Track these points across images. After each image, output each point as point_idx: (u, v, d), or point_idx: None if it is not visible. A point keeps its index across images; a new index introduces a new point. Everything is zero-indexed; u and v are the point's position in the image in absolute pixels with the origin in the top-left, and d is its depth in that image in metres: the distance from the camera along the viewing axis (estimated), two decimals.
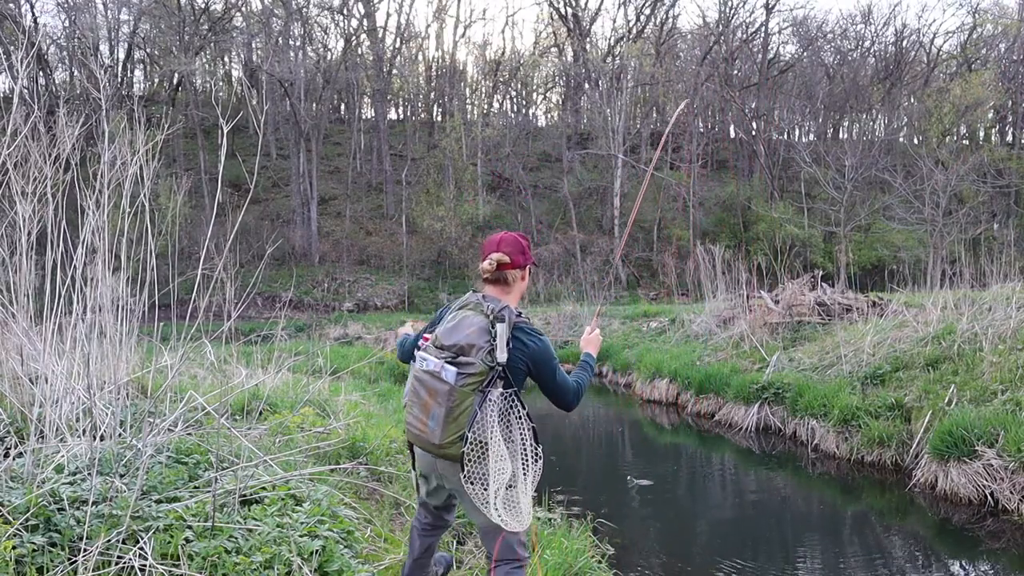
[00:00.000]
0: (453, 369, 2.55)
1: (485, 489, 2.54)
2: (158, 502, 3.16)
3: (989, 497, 6.36)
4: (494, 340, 2.58)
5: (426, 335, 2.80)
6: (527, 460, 2.61)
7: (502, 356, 2.57)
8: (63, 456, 3.30)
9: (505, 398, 2.59)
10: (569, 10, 44.06)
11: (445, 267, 34.81)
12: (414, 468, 2.96)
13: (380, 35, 41.96)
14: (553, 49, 49.35)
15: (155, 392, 4.41)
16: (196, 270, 3.84)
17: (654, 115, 45.63)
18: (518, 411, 2.61)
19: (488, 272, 2.78)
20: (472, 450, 2.52)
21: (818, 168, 32.09)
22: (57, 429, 3.56)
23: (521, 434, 2.61)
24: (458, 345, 2.59)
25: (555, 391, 2.80)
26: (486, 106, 48.80)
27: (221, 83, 48.37)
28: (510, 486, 2.57)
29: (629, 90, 39.65)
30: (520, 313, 2.74)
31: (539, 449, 2.66)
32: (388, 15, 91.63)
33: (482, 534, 2.85)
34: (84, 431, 3.62)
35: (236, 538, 3.04)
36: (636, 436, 11.32)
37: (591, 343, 3.17)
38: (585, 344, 3.17)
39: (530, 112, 54.04)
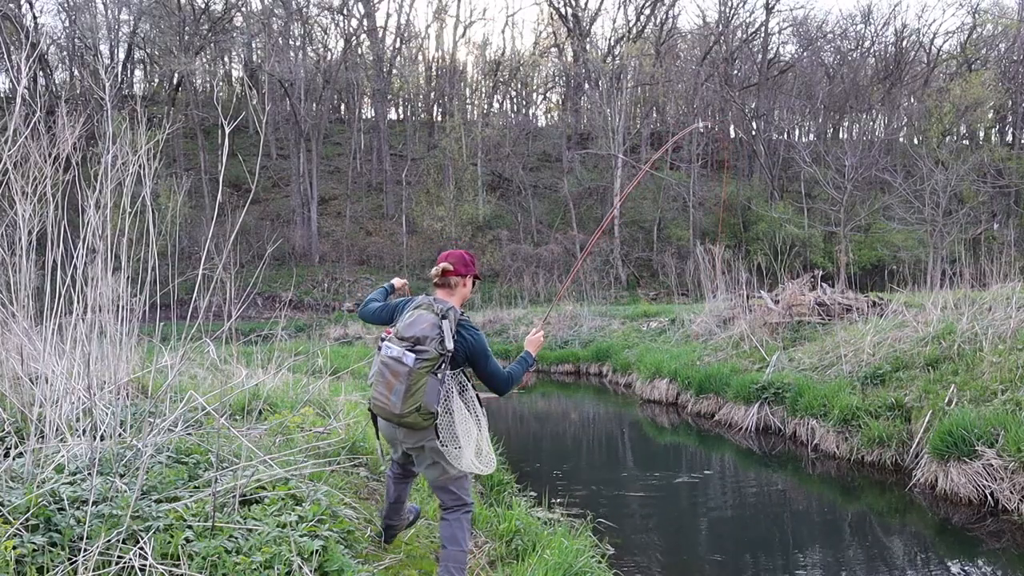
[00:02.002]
0: (412, 355, 3.18)
1: (458, 448, 3.22)
2: (158, 502, 3.16)
3: (989, 497, 6.36)
4: (443, 332, 3.24)
5: (388, 329, 3.46)
6: (480, 421, 3.33)
7: (450, 345, 3.24)
8: (63, 456, 3.30)
9: (455, 377, 3.29)
10: (569, 10, 44.05)
11: None
12: (377, 437, 3.70)
13: (380, 35, 41.97)
14: (553, 49, 49.34)
15: (155, 392, 4.41)
16: (196, 270, 3.85)
17: (654, 115, 45.63)
18: (467, 386, 3.33)
19: (436, 277, 3.51)
20: (443, 420, 3.20)
21: (818, 168, 32.08)
22: (57, 429, 3.55)
23: (473, 402, 3.33)
24: (415, 336, 3.22)
25: (487, 377, 3.45)
26: (486, 106, 48.81)
27: (221, 83, 48.37)
28: (478, 443, 3.27)
29: (629, 90, 39.65)
30: (463, 312, 3.43)
31: (483, 411, 3.39)
32: (388, 15, 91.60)
33: (434, 488, 3.46)
34: (84, 431, 3.62)
35: (236, 538, 3.04)
36: (636, 436, 11.32)
37: (532, 343, 3.77)
38: (527, 343, 3.77)
39: (530, 112, 54.05)
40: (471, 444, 3.21)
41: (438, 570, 3.44)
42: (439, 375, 3.20)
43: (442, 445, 3.21)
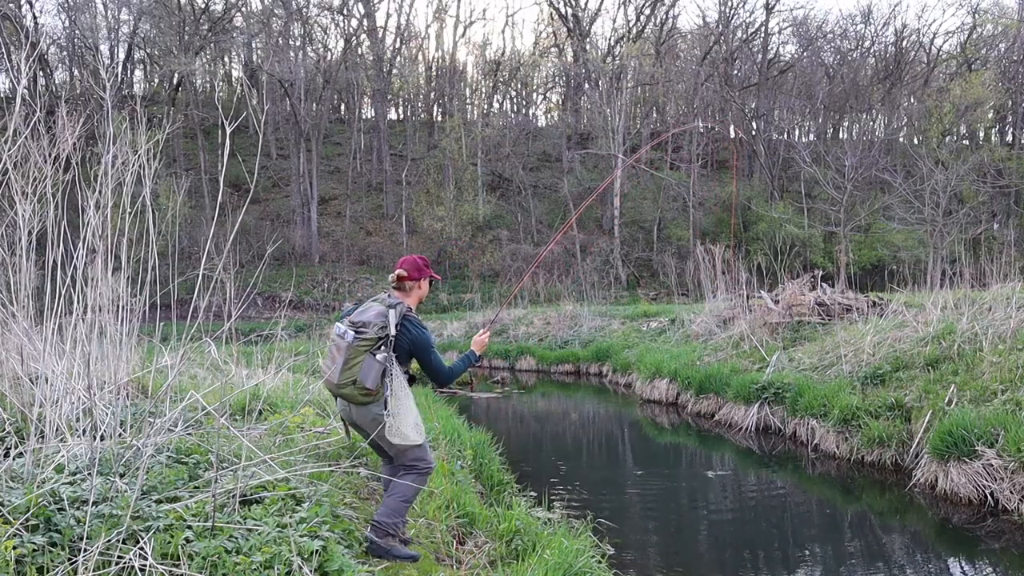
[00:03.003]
0: (352, 333, 3.65)
1: (399, 419, 3.66)
2: (158, 502, 3.16)
3: (989, 497, 6.36)
4: (387, 320, 3.68)
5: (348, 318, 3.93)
6: (408, 401, 3.75)
7: (392, 330, 3.66)
8: (63, 456, 3.30)
9: (391, 361, 3.67)
10: (569, 10, 44.06)
11: (445, 267, 34.82)
12: (343, 419, 4.00)
13: (380, 35, 41.98)
14: (553, 49, 49.34)
15: (155, 392, 4.41)
16: (196, 270, 3.85)
17: (654, 115, 45.63)
18: (398, 370, 3.73)
19: (393, 281, 3.99)
20: (389, 396, 3.65)
21: (818, 168, 32.08)
22: (57, 429, 3.55)
23: (404, 383, 3.75)
24: (361, 321, 3.69)
25: (431, 370, 3.89)
26: (486, 106, 48.82)
27: (221, 83, 48.36)
28: (406, 418, 3.66)
29: (629, 90, 39.65)
30: (411, 309, 3.87)
31: (410, 391, 3.83)
32: (388, 15, 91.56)
33: (394, 453, 3.83)
34: (84, 431, 3.62)
35: (236, 538, 3.03)
36: (636, 436, 11.32)
37: (477, 343, 4.19)
38: (473, 343, 4.20)
39: (530, 112, 54.05)
40: (410, 416, 3.69)
41: (376, 511, 3.88)
42: (377, 356, 3.61)
43: (387, 416, 3.67)
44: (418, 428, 3.78)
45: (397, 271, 3.96)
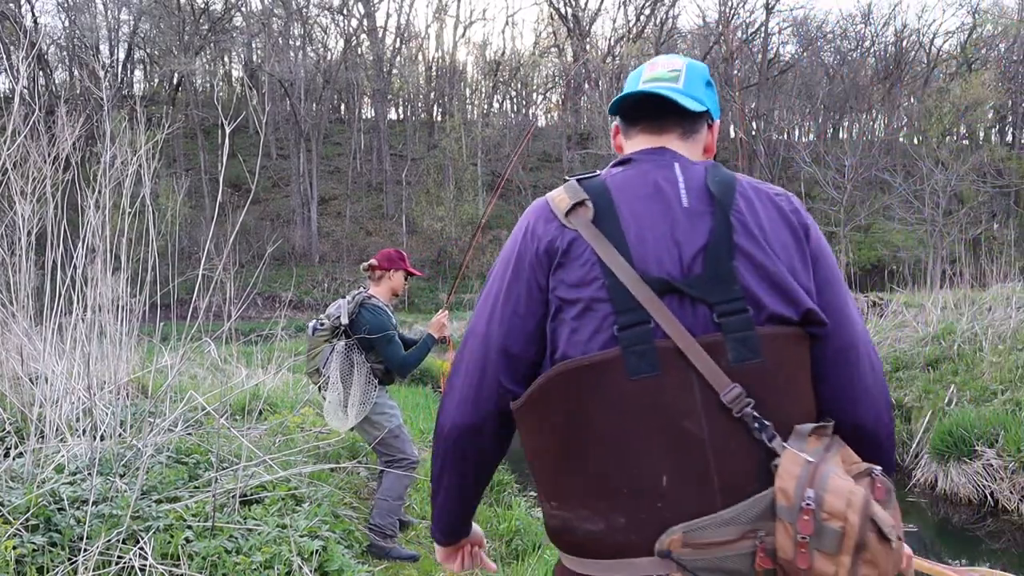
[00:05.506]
0: (312, 324, 3.99)
1: (327, 403, 3.83)
2: (158, 502, 3.16)
3: (989, 497, 6.36)
4: (342, 309, 3.87)
5: None
6: (366, 389, 3.81)
7: (345, 320, 3.83)
8: (63, 456, 3.30)
9: (349, 348, 3.83)
10: (569, 10, 44.07)
11: (445, 267, 34.83)
12: None
13: (380, 35, 41.99)
14: (553, 49, 49.35)
15: (155, 392, 4.41)
16: (196, 270, 3.85)
17: None
18: (358, 357, 3.84)
19: (365, 271, 4.15)
20: (324, 382, 3.83)
21: (818, 168, 32.05)
22: (57, 429, 3.55)
23: (361, 371, 3.82)
24: (327, 315, 3.98)
25: (385, 359, 3.90)
26: (486, 106, 48.83)
27: (221, 83, 48.38)
28: (346, 405, 3.76)
29: None
30: (371, 297, 3.97)
31: (376, 382, 3.91)
32: (388, 15, 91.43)
33: (371, 446, 4.01)
34: (84, 431, 3.62)
35: (236, 538, 3.04)
36: None
37: (434, 325, 4.12)
38: (428, 326, 4.15)
39: (530, 112, 54.05)
40: (338, 405, 3.77)
41: (371, 513, 3.99)
42: (335, 345, 3.82)
43: (322, 399, 3.89)
44: (358, 410, 3.82)
45: (369, 262, 4.17)
